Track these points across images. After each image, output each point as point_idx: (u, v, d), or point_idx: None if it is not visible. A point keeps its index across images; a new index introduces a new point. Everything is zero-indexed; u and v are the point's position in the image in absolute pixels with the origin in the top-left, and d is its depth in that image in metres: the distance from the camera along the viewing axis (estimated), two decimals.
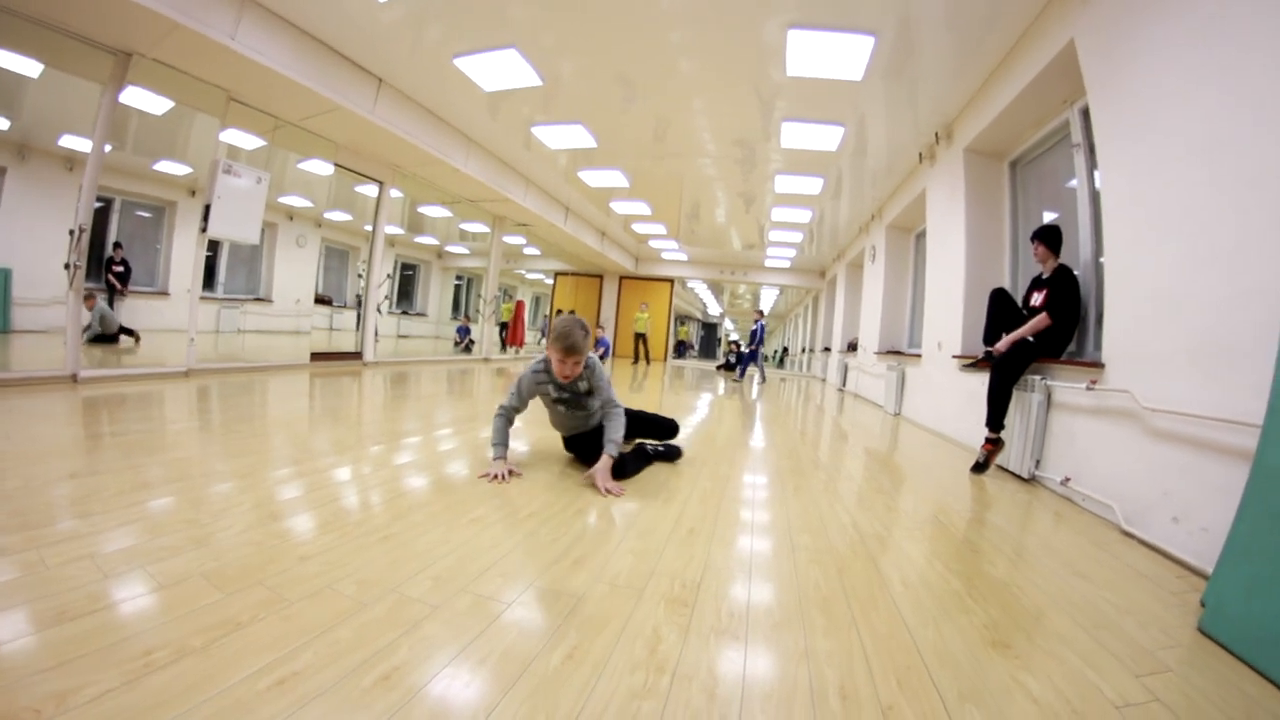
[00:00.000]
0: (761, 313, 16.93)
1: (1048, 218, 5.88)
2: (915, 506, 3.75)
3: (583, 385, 3.77)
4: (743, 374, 16.19)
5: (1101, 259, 4.18)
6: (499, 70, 7.07)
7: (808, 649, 1.79)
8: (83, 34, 5.49)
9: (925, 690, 1.61)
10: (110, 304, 9.62)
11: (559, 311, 22.46)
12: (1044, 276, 4.78)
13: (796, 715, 1.47)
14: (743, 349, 19.19)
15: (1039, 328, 4.58)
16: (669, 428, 4.58)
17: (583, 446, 3.96)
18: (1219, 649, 2.01)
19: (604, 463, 3.56)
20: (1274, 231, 2.65)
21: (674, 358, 27.00)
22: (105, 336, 9.21)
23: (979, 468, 4.81)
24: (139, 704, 1.29)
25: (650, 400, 9.25)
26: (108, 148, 5.89)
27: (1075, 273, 4.65)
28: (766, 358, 16.80)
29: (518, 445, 4.50)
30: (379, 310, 10.20)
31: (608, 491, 3.38)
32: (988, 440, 4.78)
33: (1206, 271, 3.05)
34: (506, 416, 3.72)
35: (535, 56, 6.69)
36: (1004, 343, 4.75)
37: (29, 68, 6.85)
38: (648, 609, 1.96)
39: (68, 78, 6.88)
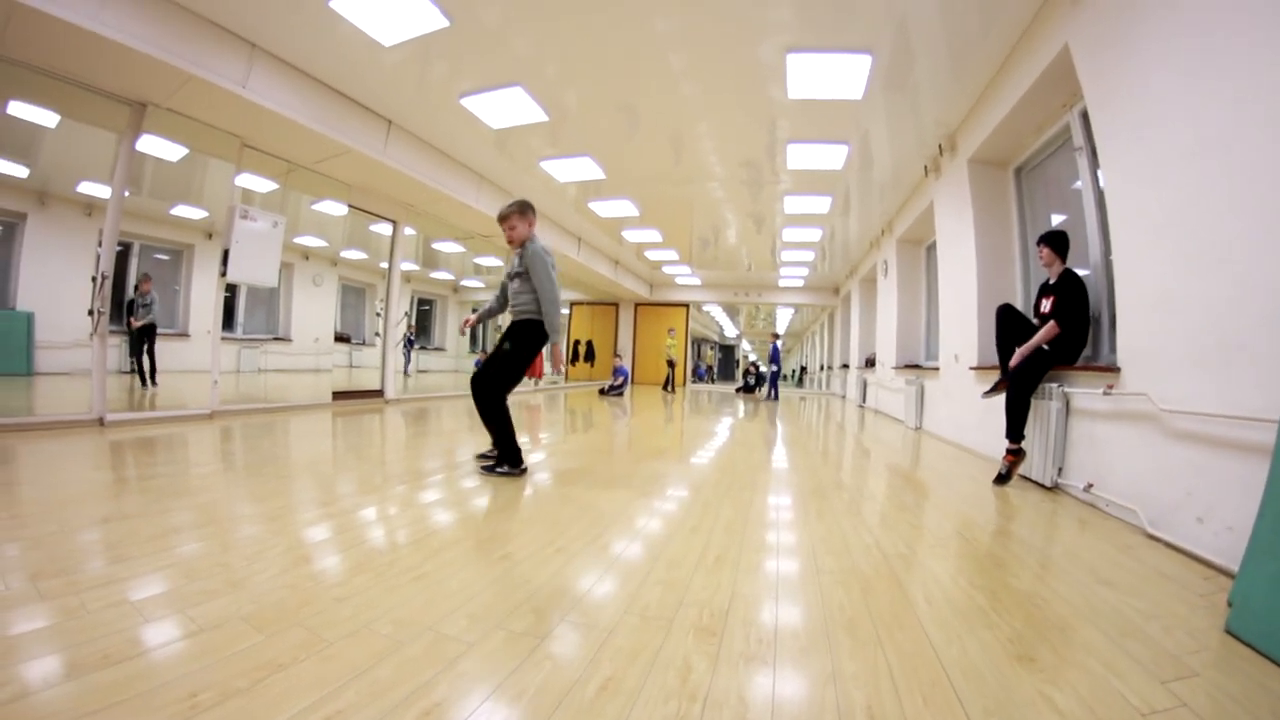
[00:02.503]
0: (777, 335, 17.22)
1: (1055, 222, 5.89)
2: (938, 522, 3.76)
3: (518, 264, 4.60)
4: (775, 395, 16.50)
5: (1111, 259, 4.18)
6: (505, 107, 7.20)
7: (834, 671, 1.81)
8: (99, 86, 5.67)
9: (951, 707, 1.62)
10: (140, 349, 9.73)
11: (576, 342, 22.63)
12: (1050, 282, 4.80)
13: None
14: (762, 370, 19.39)
15: (1050, 336, 4.57)
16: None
17: (510, 334, 4.68)
18: (1247, 649, 2.01)
19: (549, 350, 4.62)
20: (1272, 228, 2.68)
21: (693, 381, 26.99)
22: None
23: (1001, 479, 4.80)
24: None
25: (674, 429, 9.27)
26: (126, 193, 6.02)
27: (1083, 275, 4.65)
28: (786, 377, 17.20)
29: (542, 475, 4.55)
30: (408, 349, 10.25)
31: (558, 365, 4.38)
32: (1009, 451, 4.79)
33: (1213, 269, 3.07)
34: None
35: (540, 92, 6.81)
36: (1016, 357, 4.75)
37: (46, 118, 7.01)
38: (678, 639, 1.98)
39: (84, 127, 7.03)
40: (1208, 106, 3.12)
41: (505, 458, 4.50)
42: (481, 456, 4.86)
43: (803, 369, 39.37)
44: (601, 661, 1.82)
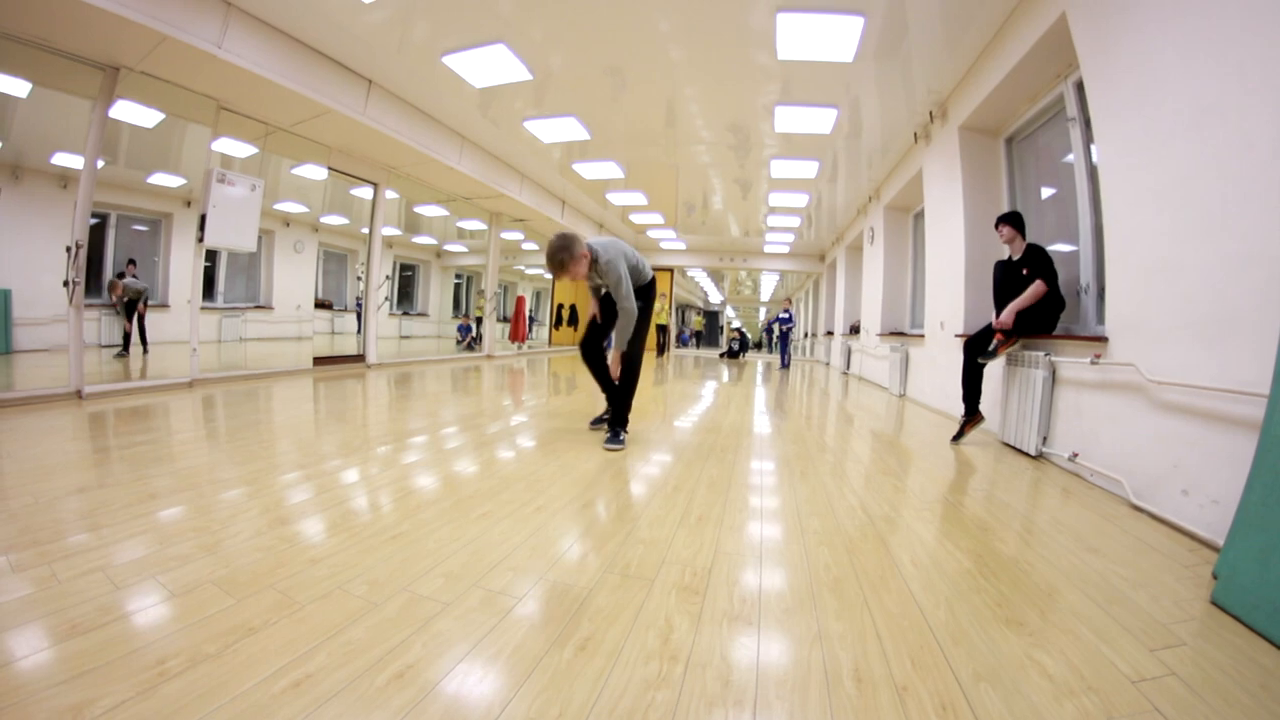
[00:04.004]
0: (790, 300, 17.18)
1: (1045, 194, 5.86)
2: (923, 487, 3.75)
3: (599, 282, 4.46)
4: (786, 362, 16.44)
5: (1102, 230, 4.14)
6: (488, 66, 7.04)
7: (820, 632, 1.79)
8: (69, 51, 5.49)
9: (940, 670, 1.61)
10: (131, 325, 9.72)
11: (560, 306, 22.55)
12: (1015, 258, 4.83)
13: (811, 699, 1.47)
14: (747, 335, 19.35)
15: (1039, 294, 4.55)
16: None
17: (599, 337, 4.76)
18: (1232, 621, 2.00)
19: (614, 358, 4.43)
20: (1267, 199, 2.64)
21: (677, 347, 27.06)
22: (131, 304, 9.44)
23: (957, 437, 5.17)
24: (154, 713, 1.30)
25: (658, 392, 9.25)
26: (100, 163, 5.87)
27: (1072, 249, 4.66)
28: (759, 345, 17.18)
29: (524, 436, 4.51)
30: (387, 307, 10.21)
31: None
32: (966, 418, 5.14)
33: (1204, 241, 3.04)
34: None
35: (524, 50, 6.66)
36: (1007, 314, 4.67)
37: (17, 87, 6.82)
38: (659, 598, 1.96)
39: (57, 95, 6.85)
40: (1202, 80, 3.07)
41: (620, 421, 4.53)
42: (598, 422, 4.91)
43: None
44: (580, 621, 1.79)
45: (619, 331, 4.38)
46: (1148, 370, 3.42)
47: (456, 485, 3.26)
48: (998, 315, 4.88)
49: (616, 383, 4.49)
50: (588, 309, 4.67)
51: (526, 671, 1.52)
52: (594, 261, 4.24)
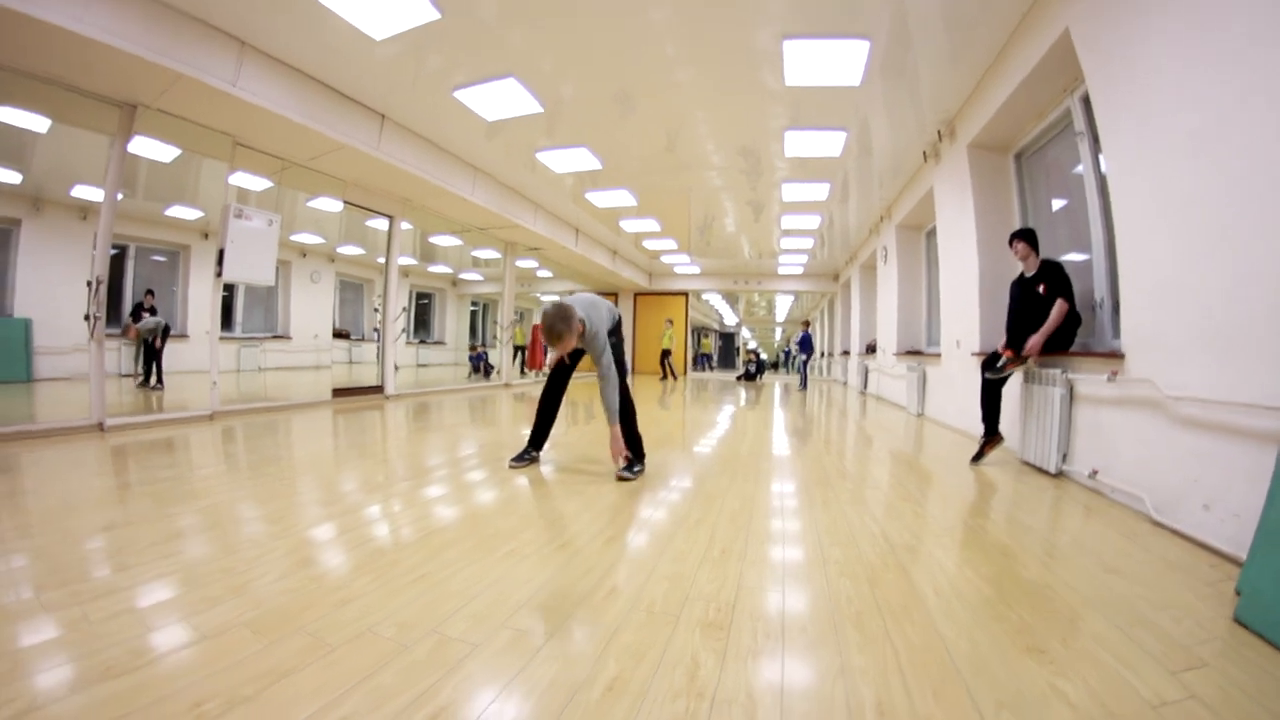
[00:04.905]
0: (808, 323, 17.16)
1: (1056, 207, 5.87)
2: (943, 511, 3.75)
3: (581, 347, 4.45)
4: (804, 384, 16.35)
5: (1115, 244, 4.13)
6: (499, 100, 7.16)
7: (843, 666, 1.79)
8: (88, 89, 5.63)
9: (961, 702, 1.61)
10: (150, 359, 9.83)
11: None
12: (1030, 275, 4.85)
13: None
14: (762, 357, 19.25)
15: (1064, 315, 4.55)
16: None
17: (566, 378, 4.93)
18: (1255, 638, 1.99)
19: (613, 435, 4.34)
20: (1277, 214, 2.64)
21: (693, 370, 26.95)
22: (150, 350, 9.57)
23: (977, 458, 5.15)
24: None
25: (674, 419, 9.25)
26: (119, 196, 5.99)
27: (1084, 259, 4.68)
28: (776, 366, 17.09)
29: (546, 468, 4.53)
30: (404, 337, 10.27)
31: (616, 458, 4.36)
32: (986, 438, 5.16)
33: (1216, 254, 3.04)
34: None
35: (534, 83, 6.76)
36: (1036, 342, 4.64)
37: (37, 123, 6.96)
38: (685, 635, 1.97)
39: (76, 131, 7.00)
40: (1209, 92, 3.07)
41: (637, 455, 4.55)
42: (520, 459, 4.75)
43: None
44: (608, 660, 1.80)
45: (605, 396, 4.29)
46: (1165, 386, 3.41)
47: (480, 522, 3.27)
48: (1009, 334, 4.89)
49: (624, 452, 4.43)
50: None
51: (557, 712, 1.53)
52: (583, 336, 4.27)
